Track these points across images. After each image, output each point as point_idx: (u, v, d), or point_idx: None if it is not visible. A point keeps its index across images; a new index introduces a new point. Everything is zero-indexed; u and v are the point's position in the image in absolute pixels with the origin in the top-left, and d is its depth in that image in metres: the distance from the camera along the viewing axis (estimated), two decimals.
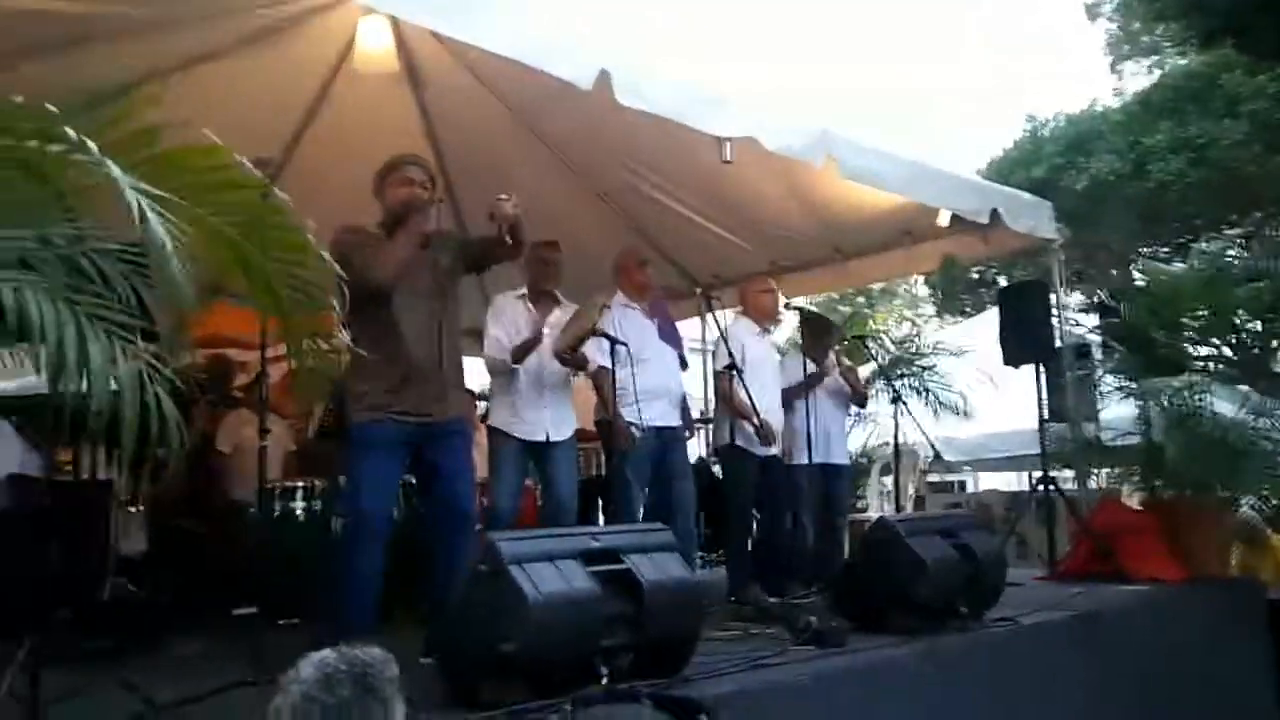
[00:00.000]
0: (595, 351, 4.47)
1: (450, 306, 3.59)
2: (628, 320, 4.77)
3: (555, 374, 4.41)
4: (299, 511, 4.88)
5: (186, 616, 4.47)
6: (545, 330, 4.39)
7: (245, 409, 5.75)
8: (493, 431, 4.44)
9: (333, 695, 1.43)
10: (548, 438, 4.36)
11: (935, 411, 8.58)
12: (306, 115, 5.51)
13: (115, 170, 1.57)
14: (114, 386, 1.65)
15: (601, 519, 5.66)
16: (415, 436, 3.38)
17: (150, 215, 1.58)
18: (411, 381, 3.35)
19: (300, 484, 4.98)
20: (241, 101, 4.62)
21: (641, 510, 4.59)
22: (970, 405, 8.75)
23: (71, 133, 1.60)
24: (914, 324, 16.48)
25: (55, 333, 1.61)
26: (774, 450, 5.05)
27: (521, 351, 4.30)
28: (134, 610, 4.30)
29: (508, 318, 4.45)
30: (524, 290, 4.56)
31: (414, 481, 5.35)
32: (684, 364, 5.05)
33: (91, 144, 1.59)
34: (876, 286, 17.20)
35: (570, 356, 4.31)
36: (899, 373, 8.49)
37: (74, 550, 3.91)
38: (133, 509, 4.95)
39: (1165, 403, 5.56)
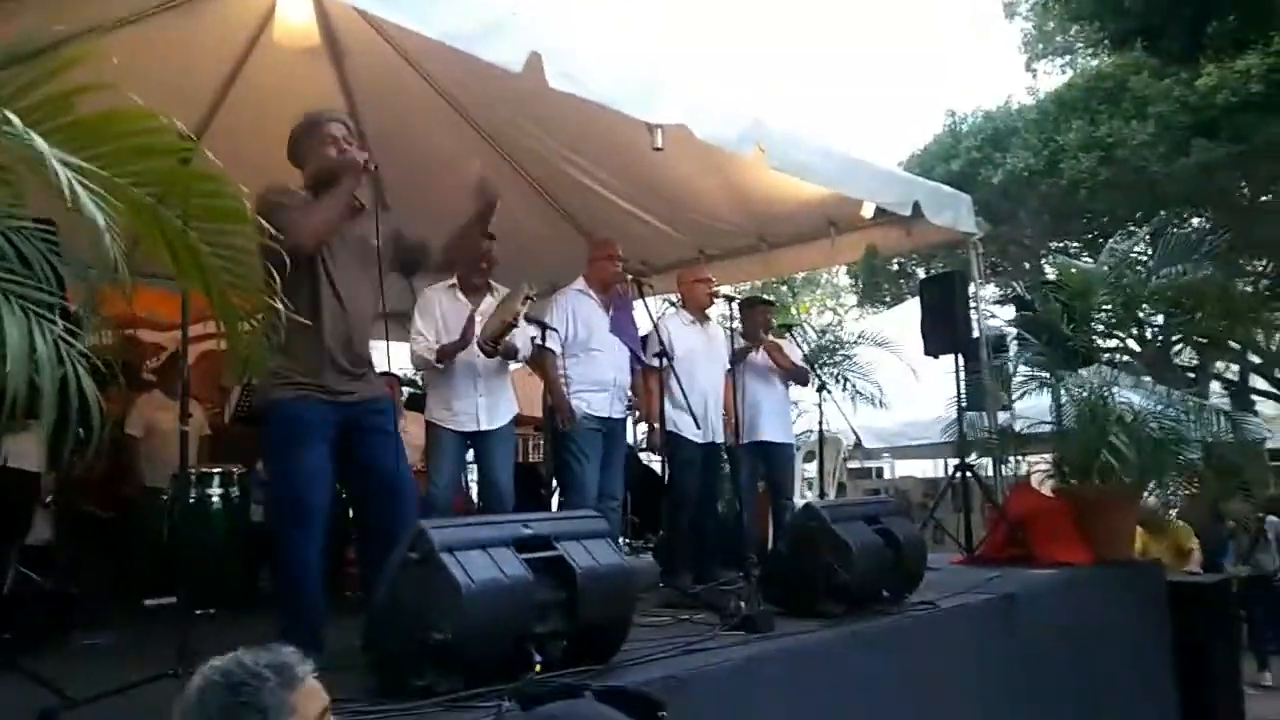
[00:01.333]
0: (526, 340, 4.43)
1: (373, 284, 3.30)
2: (581, 307, 4.77)
3: (488, 363, 4.36)
4: (216, 498, 4.75)
5: (97, 608, 4.31)
6: (478, 317, 4.33)
7: (156, 392, 5.57)
8: (428, 424, 4.37)
9: (203, 711, 1.36)
10: (483, 426, 4.32)
11: (853, 400, 8.74)
12: (224, 85, 5.34)
13: (43, 147, 1.49)
14: (31, 367, 1.56)
15: (555, 503, 5.61)
16: (341, 415, 3.10)
17: (84, 195, 1.50)
18: (336, 357, 3.10)
19: (217, 470, 4.84)
20: (158, 68, 4.44)
21: (594, 491, 4.56)
22: (887, 395, 8.94)
23: None
24: (835, 313, 16.76)
25: None
26: (712, 437, 5.06)
27: (448, 353, 4.24)
28: (39, 601, 4.12)
29: (436, 311, 4.38)
30: (453, 280, 4.49)
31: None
32: (639, 360, 5.03)
33: (13, 117, 1.50)
34: (799, 276, 17.42)
35: (492, 348, 4.25)
36: (821, 361, 8.62)
37: None
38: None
39: (1075, 393, 5.75)
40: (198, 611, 3.62)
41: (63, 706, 2.33)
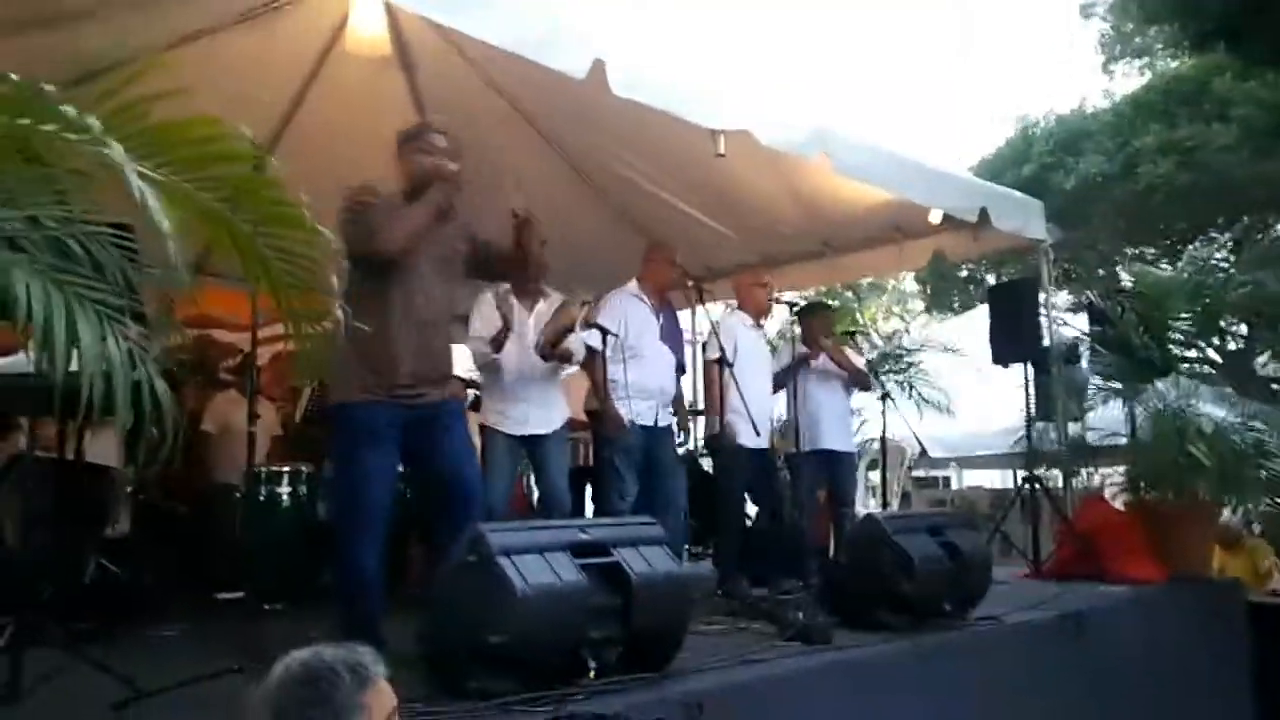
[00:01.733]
0: (580, 345, 4.46)
1: (455, 291, 3.40)
2: (632, 311, 4.76)
3: (540, 367, 4.39)
4: (285, 496, 4.85)
5: (170, 600, 4.44)
6: (530, 321, 4.37)
7: (232, 390, 5.72)
8: (482, 427, 4.43)
9: (281, 704, 1.39)
10: (537, 431, 4.35)
11: (919, 408, 8.61)
12: (297, 96, 5.48)
13: (118, 153, 1.54)
14: (104, 366, 1.62)
15: (590, 509, 5.64)
16: (409, 418, 3.14)
17: (152, 200, 1.55)
18: (409, 362, 3.13)
19: (286, 469, 4.95)
20: (233, 80, 4.56)
21: (631, 501, 4.57)
22: (954, 403, 8.79)
23: (72, 111, 1.56)
24: (902, 320, 16.53)
25: (43, 311, 1.58)
26: (765, 443, 5.03)
27: (498, 341, 4.27)
28: (116, 593, 4.26)
29: (491, 312, 4.40)
30: (508, 285, 4.52)
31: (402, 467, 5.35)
32: (682, 369, 5.02)
33: (94, 122, 1.55)
34: (865, 282, 17.22)
35: (552, 352, 4.28)
36: (886, 368, 8.51)
37: (60, 531, 3.87)
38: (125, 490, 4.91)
39: (1151, 405, 5.59)
40: (264, 606, 3.71)
41: (133, 697, 2.41)
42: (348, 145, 5.12)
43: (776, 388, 5.32)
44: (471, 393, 6.17)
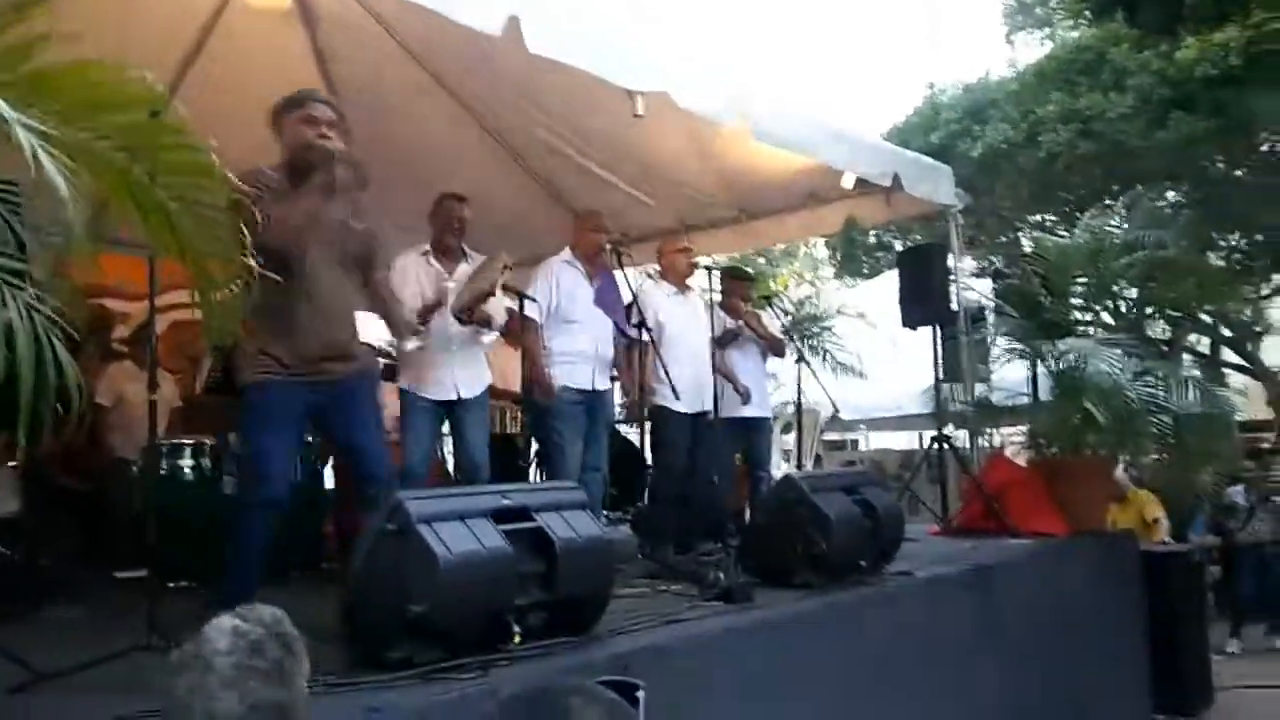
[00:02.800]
0: (501, 309, 4.38)
1: (348, 267, 3.30)
2: (565, 277, 4.72)
3: (461, 331, 4.30)
4: (187, 470, 4.68)
5: (68, 580, 4.25)
6: (450, 285, 4.28)
7: (127, 361, 5.48)
8: (402, 392, 4.32)
9: (264, 660, 1.35)
10: (458, 395, 4.28)
11: (834, 372, 8.76)
12: (193, 48, 5.20)
13: (3, 107, 1.42)
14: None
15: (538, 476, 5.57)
16: (316, 397, 3.14)
17: (45, 158, 1.43)
18: (311, 340, 3.09)
19: (189, 441, 4.77)
20: (124, 30, 4.30)
21: (578, 465, 4.54)
22: (865, 366, 8.97)
23: None
24: (813, 285, 16.77)
25: None
26: (700, 408, 5.02)
27: (424, 314, 4.16)
28: (9, 574, 4.06)
29: (410, 277, 4.30)
30: (427, 246, 4.42)
31: (310, 440, 5.23)
32: (622, 333, 4.98)
33: None
34: (777, 248, 17.39)
35: (469, 317, 4.19)
36: (799, 333, 8.62)
37: None
38: (9, 465, 4.66)
39: (1052, 365, 5.78)
40: (168, 584, 3.58)
41: (32, 680, 2.29)
42: (245, 103, 4.89)
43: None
44: (383, 361, 6.04)
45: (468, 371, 4.35)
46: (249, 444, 3.23)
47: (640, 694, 1.86)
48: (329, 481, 5.60)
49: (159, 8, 4.66)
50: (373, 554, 2.48)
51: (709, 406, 4.95)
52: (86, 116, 1.66)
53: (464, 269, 4.36)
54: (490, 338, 4.47)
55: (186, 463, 4.69)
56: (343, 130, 3.25)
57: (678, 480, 5.00)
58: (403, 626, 2.32)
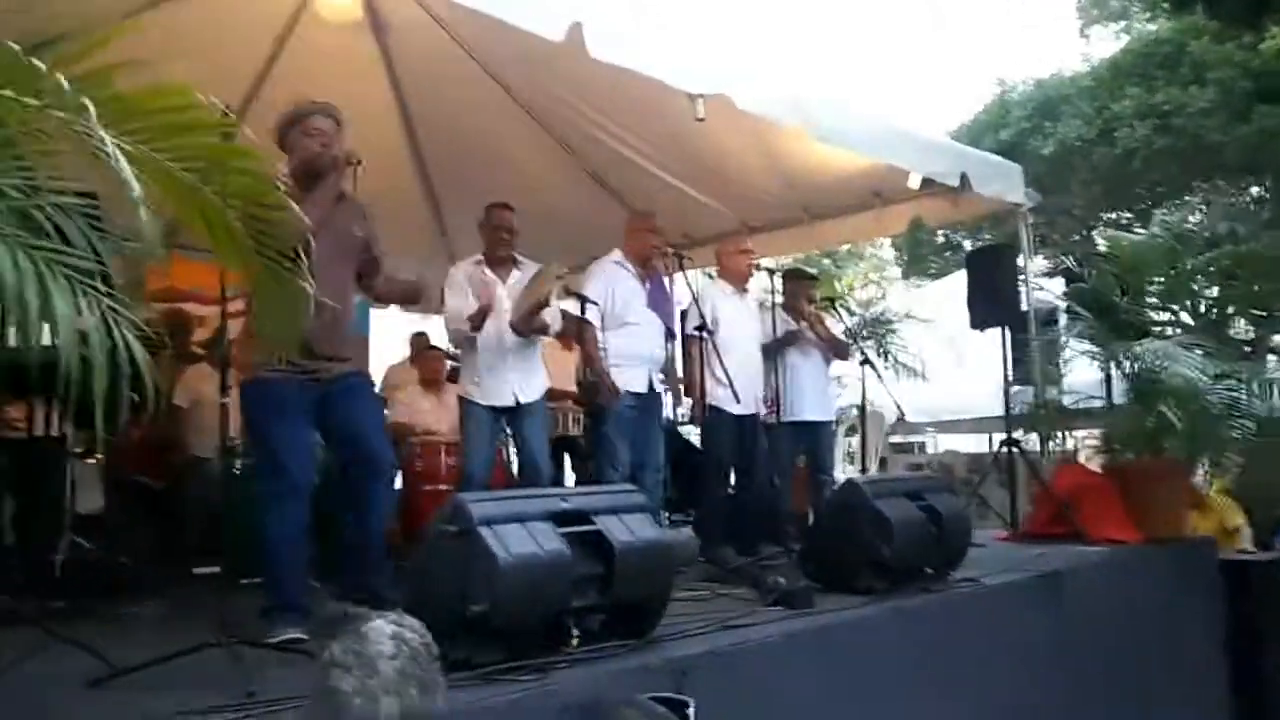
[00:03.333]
0: (556, 317, 4.42)
1: (350, 270, 3.42)
2: (618, 281, 4.74)
3: (516, 338, 4.35)
4: None
5: (146, 576, 4.39)
6: (503, 293, 4.32)
7: (203, 364, 5.65)
8: (461, 400, 4.39)
9: (420, 669, 1.39)
10: (516, 401, 4.33)
11: (897, 374, 8.63)
12: (267, 61, 5.37)
13: (93, 118, 1.48)
14: (78, 339, 1.56)
15: (570, 479, 5.62)
16: (316, 393, 3.23)
17: (127, 170, 1.49)
18: (310, 339, 3.10)
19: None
20: (201, 45, 4.46)
21: (624, 471, 4.55)
22: (928, 368, 8.82)
23: (45, 75, 1.50)
24: (880, 287, 16.57)
25: (14, 281, 1.52)
26: (751, 409, 5.01)
27: (476, 320, 4.22)
28: (91, 570, 4.21)
29: (464, 286, 4.35)
30: (480, 256, 4.48)
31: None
32: (671, 335, 5.00)
33: (64, 82, 1.49)
34: (843, 249, 17.23)
35: (525, 328, 4.24)
36: (864, 335, 8.53)
37: (29, 509, 3.81)
38: (90, 461, 4.84)
39: (1127, 367, 5.62)
40: (241, 580, 3.68)
41: (109, 675, 2.38)
42: None
43: (765, 357, 5.31)
44: (450, 364, 6.14)
45: (525, 377, 4.39)
46: (262, 439, 3.28)
47: (691, 710, 1.85)
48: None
49: (237, 19, 4.80)
50: (434, 554, 2.53)
51: (760, 409, 4.93)
52: (162, 138, 1.72)
53: (517, 276, 4.41)
54: (547, 339, 4.52)
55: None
56: (343, 138, 3.36)
57: (727, 481, 4.98)
58: (462, 627, 2.35)
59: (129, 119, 1.73)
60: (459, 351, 4.82)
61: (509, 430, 4.51)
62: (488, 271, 4.41)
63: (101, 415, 1.59)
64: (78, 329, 1.59)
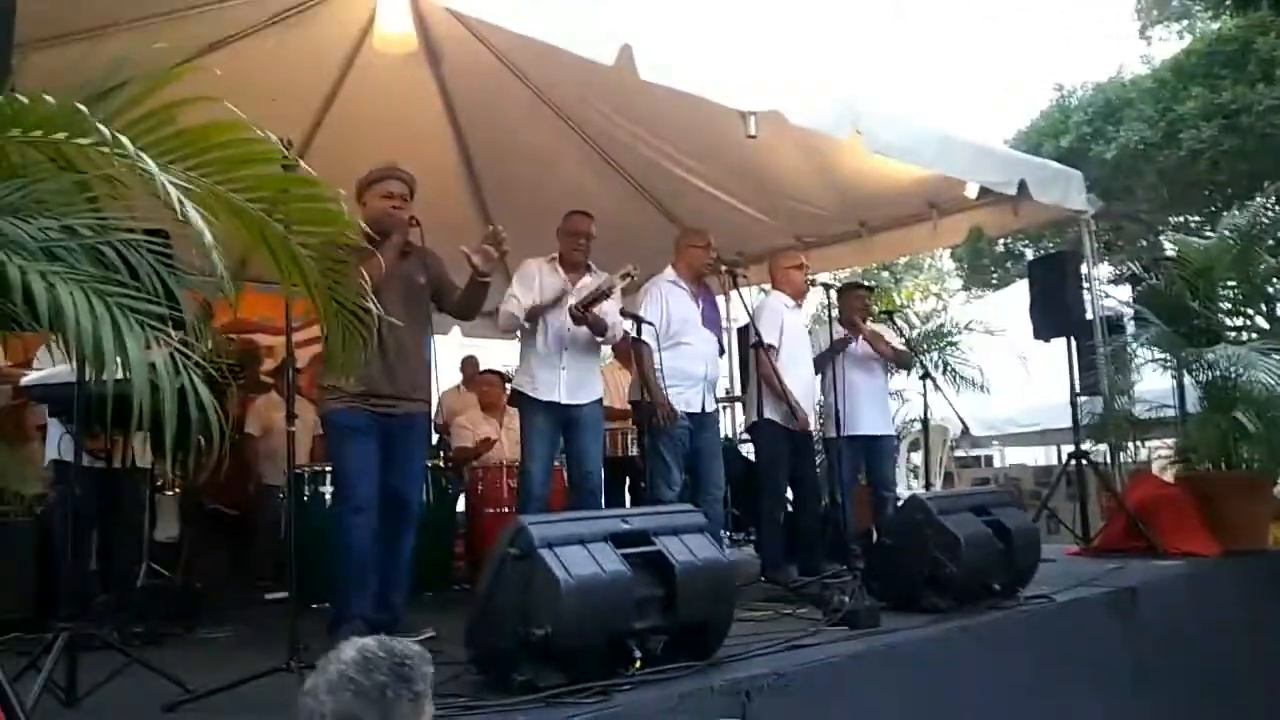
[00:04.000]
0: (617, 317, 4.41)
1: (419, 316, 3.69)
2: (674, 299, 4.72)
3: (575, 336, 4.34)
4: (327, 495, 4.89)
5: (219, 601, 4.51)
6: (570, 294, 4.32)
7: (274, 393, 5.79)
8: (515, 395, 4.44)
9: (369, 679, 1.44)
10: (565, 398, 4.28)
11: (957, 387, 8.48)
12: (328, 96, 5.52)
13: (151, 165, 1.54)
14: (148, 375, 1.62)
15: (628, 499, 5.61)
16: (384, 425, 3.52)
17: (191, 210, 1.55)
18: (380, 379, 3.47)
19: (329, 467, 4.99)
20: (263, 84, 4.60)
21: (678, 490, 4.54)
22: (995, 381, 8.65)
23: (106, 130, 1.57)
24: (940, 298, 16.34)
25: (90, 323, 1.59)
26: (807, 427, 4.96)
27: (534, 312, 4.27)
28: (168, 596, 4.33)
29: (535, 278, 4.39)
30: (555, 255, 4.50)
31: (442, 464, 5.42)
32: (722, 350, 4.98)
33: (125, 140, 1.56)
34: (901, 260, 17.02)
35: (583, 314, 4.20)
36: (925, 348, 8.40)
37: (112, 537, 3.94)
38: (169, 493, 4.98)
39: (1201, 375, 5.46)
40: (311, 605, 3.75)
41: (185, 699, 2.44)
42: (379, 141, 5.15)
43: (815, 371, 5.27)
44: (510, 387, 6.21)
45: (577, 376, 4.35)
46: (335, 463, 3.68)
47: None
48: (460, 504, 5.78)
49: (300, 55, 4.95)
50: (498, 578, 2.54)
51: (811, 425, 4.90)
52: (225, 171, 1.78)
53: (588, 280, 4.41)
54: (605, 349, 4.52)
55: (326, 488, 4.90)
56: (411, 201, 3.71)
57: (784, 498, 4.93)
58: (526, 649, 2.36)
59: (192, 154, 1.79)
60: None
61: (561, 432, 4.50)
62: (559, 269, 4.43)
63: (170, 451, 1.66)
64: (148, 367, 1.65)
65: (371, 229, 3.45)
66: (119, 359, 1.61)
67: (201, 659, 3.15)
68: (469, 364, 7.23)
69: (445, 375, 7.35)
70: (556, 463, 4.76)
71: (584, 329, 4.30)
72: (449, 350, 8.10)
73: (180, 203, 1.61)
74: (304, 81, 5.33)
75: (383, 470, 3.52)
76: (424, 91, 5.78)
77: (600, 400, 4.52)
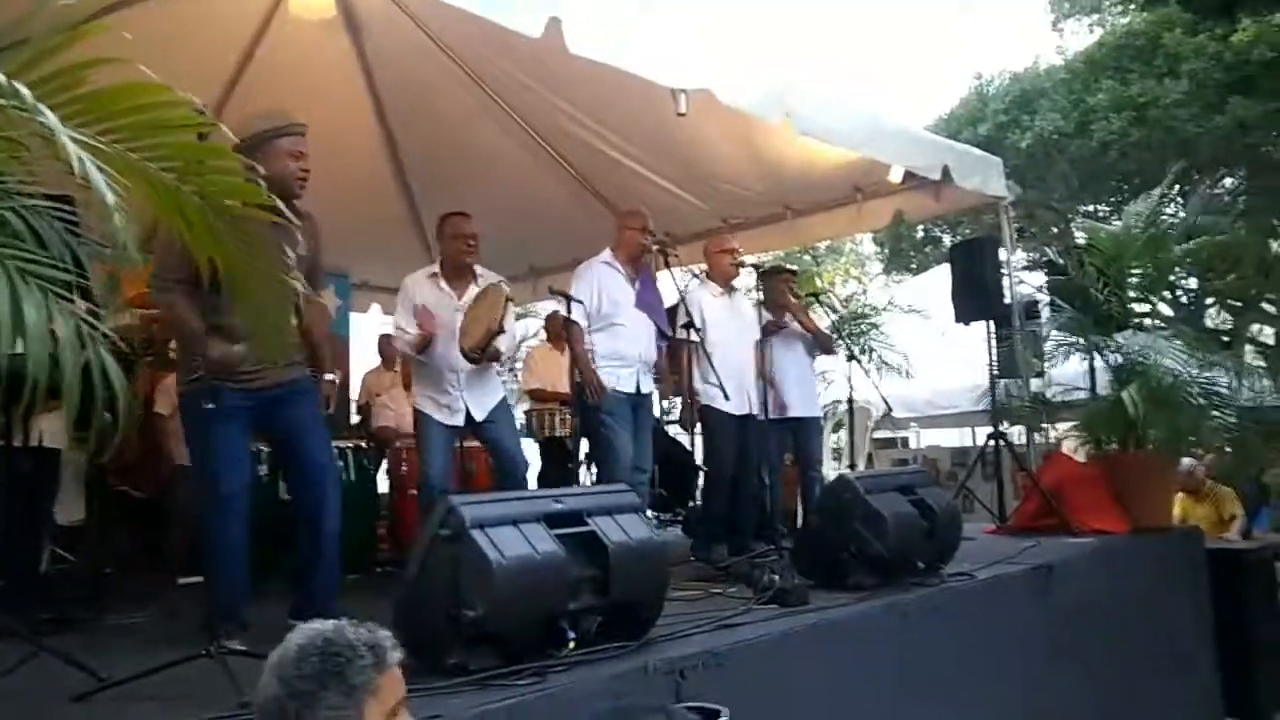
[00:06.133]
0: (511, 342, 4.32)
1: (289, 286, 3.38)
2: (607, 280, 4.66)
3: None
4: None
5: (131, 587, 4.33)
6: (457, 313, 4.19)
7: None
8: (416, 412, 4.31)
9: (297, 669, 1.39)
10: (469, 419, 4.23)
11: (879, 370, 8.64)
12: (241, 60, 5.31)
13: (53, 120, 1.44)
14: (51, 347, 1.52)
15: (589, 478, 5.53)
16: (252, 400, 3.14)
17: (93, 170, 1.45)
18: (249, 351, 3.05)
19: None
20: (176, 45, 4.39)
21: (629, 460, 4.51)
22: (913, 364, 8.83)
23: (1, 78, 1.45)
24: (860, 282, 16.62)
25: None
26: (747, 409, 4.96)
27: (422, 344, 4.15)
28: (74, 581, 4.15)
29: (415, 302, 4.24)
30: (435, 268, 4.36)
31: (364, 445, 5.30)
32: (664, 335, 4.93)
33: (24, 89, 1.45)
34: (823, 245, 17.25)
35: (478, 356, 4.08)
36: (847, 331, 8.52)
37: (13, 521, 3.74)
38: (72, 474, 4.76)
39: (1111, 358, 5.64)
40: None
41: (97, 688, 2.33)
42: (294, 109, 4.96)
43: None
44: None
45: (479, 394, 4.27)
46: (195, 450, 3.21)
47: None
48: (382, 485, 5.67)
49: (211, 19, 4.74)
50: (427, 559, 2.48)
51: (755, 409, 4.91)
52: (138, 137, 1.68)
53: (473, 291, 4.26)
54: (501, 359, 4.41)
55: None
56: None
57: (729, 482, 4.94)
58: (457, 631, 2.31)
59: (103, 118, 1.68)
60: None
61: (479, 441, 4.41)
62: (443, 285, 4.30)
63: (70, 426, 1.56)
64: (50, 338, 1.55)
65: (274, 191, 3.15)
66: (13, 324, 1.50)
67: (113, 646, 3.01)
68: (386, 343, 7.10)
69: (366, 355, 7.22)
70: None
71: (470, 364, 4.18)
72: (369, 328, 7.94)
73: (80, 160, 1.50)
74: (215, 46, 5.10)
75: (279, 437, 3.25)
76: (343, 62, 5.61)
77: (504, 398, 4.45)
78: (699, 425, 5.12)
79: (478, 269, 4.39)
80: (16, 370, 1.54)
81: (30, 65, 1.61)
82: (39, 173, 1.83)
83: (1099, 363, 5.83)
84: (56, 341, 1.57)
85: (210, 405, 2.84)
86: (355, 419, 6.89)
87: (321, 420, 3.47)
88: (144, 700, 2.24)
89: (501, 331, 4.04)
